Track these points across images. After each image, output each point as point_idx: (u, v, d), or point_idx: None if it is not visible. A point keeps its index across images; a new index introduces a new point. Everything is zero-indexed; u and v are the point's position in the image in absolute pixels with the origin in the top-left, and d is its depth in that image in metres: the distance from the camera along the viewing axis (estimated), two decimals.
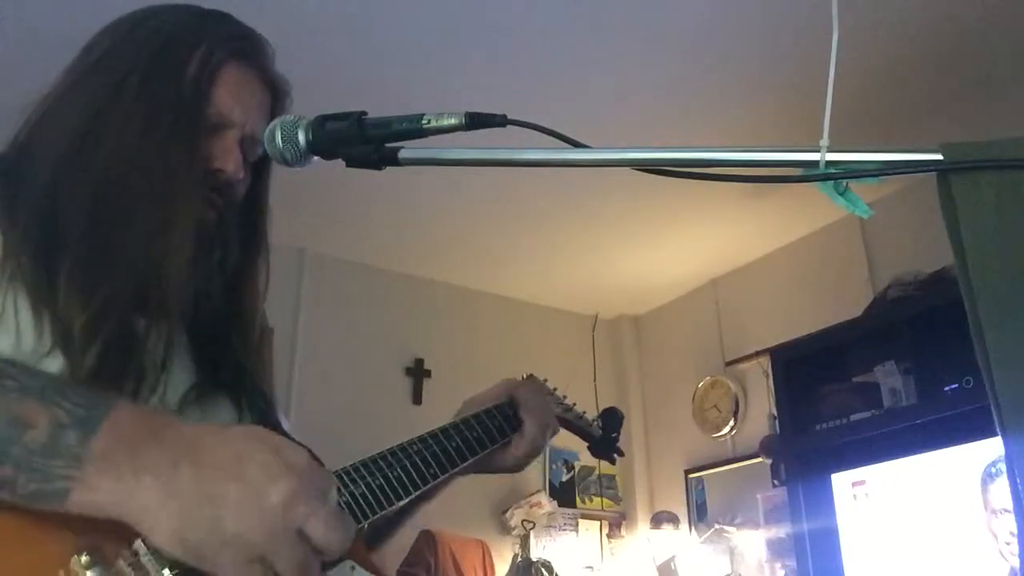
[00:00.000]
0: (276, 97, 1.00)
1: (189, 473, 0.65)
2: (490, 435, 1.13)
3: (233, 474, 0.66)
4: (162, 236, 0.85)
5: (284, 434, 0.92)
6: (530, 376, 1.33)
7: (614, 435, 1.38)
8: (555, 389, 1.33)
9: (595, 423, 1.37)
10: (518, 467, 1.21)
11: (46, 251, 0.80)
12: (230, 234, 0.94)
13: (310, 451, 0.92)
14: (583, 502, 4.19)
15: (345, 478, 0.88)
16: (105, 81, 0.89)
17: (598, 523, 4.20)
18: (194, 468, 0.66)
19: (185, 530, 0.64)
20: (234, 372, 0.93)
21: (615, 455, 1.40)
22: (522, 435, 1.18)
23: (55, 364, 0.76)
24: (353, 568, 0.81)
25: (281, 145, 0.84)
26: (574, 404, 1.36)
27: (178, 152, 0.88)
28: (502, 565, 3.74)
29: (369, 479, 0.91)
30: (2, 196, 0.82)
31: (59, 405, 0.66)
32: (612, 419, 1.38)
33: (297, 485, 0.67)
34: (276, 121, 0.85)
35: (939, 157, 0.71)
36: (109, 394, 0.71)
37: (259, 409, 0.94)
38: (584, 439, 1.37)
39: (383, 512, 0.90)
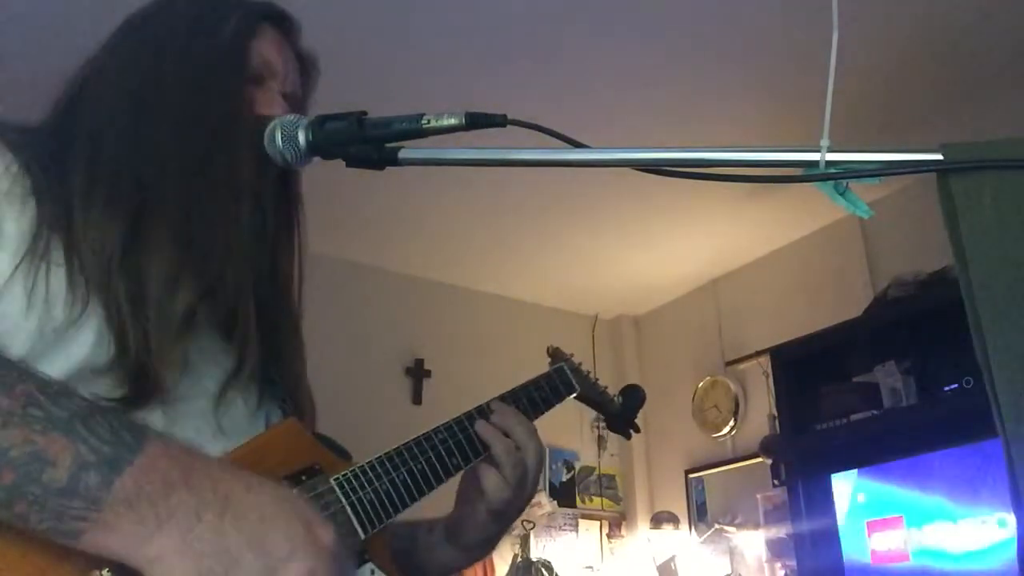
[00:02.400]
0: (305, 70, 0.99)
1: (211, 528, 0.64)
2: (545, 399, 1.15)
3: (255, 540, 0.65)
4: (229, 202, 0.83)
5: (316, 434, 0.91)
6: (556, 349, 1.33)
7: (631, 412, 1.40)
8: (580, 364, 1.34)
9: (615, 398, 1.38)
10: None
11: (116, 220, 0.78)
12: (269, 194, 0.90)
13: (334, 441, 0.91)
14: (583, 502, 4.18)
15: (371, 472, 0.87)
16: (146, 47, 0.89)
17: (598, 523, 4.20)
18: (217, 524, 0.64)
19: None
20: (270, 355, 0.90)
21: (631, 431, 1.41)
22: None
23: (86, 336, 0.74)
24: (373, 572, 0.81)
25: (281, 145, 0.84)
26: (597, 379, 1.37)
27: (227, 103, 0.87)
28: (502, 565, 3.74)
29: (385, 479, 0.89)
30: (46, 166, 0.79)
31: (85, 441, 0.64)
32: (632, 397, 1.40)
33: (316, 565, 0.66)
34: (276, 121, 0.85)
35: (939, 157, 0.72)
36: (142, 428, 0.69)
37: (286, 404, 0.91)
38: (601, 413, 1.39)
39: (400, 512, 0.88)
